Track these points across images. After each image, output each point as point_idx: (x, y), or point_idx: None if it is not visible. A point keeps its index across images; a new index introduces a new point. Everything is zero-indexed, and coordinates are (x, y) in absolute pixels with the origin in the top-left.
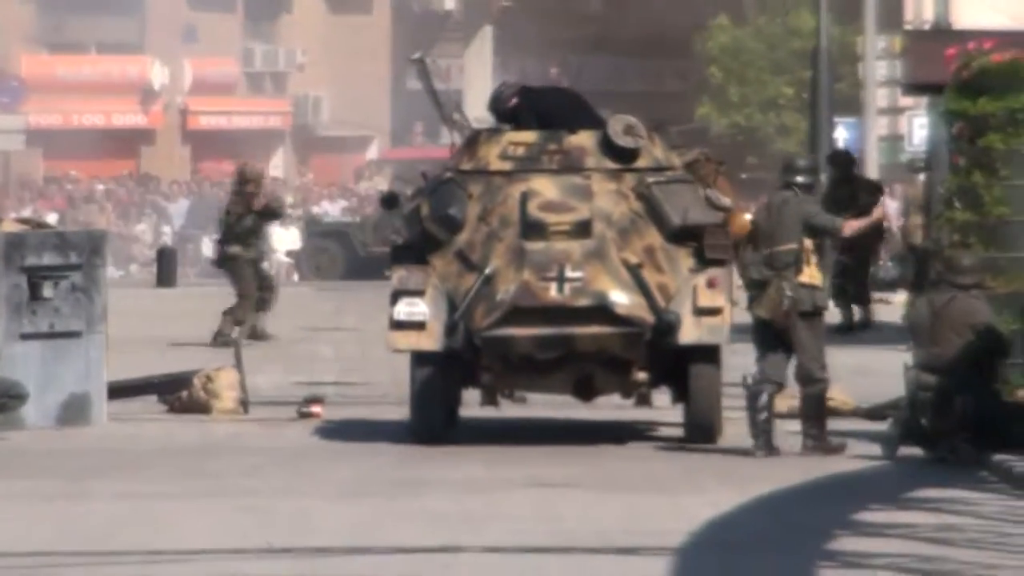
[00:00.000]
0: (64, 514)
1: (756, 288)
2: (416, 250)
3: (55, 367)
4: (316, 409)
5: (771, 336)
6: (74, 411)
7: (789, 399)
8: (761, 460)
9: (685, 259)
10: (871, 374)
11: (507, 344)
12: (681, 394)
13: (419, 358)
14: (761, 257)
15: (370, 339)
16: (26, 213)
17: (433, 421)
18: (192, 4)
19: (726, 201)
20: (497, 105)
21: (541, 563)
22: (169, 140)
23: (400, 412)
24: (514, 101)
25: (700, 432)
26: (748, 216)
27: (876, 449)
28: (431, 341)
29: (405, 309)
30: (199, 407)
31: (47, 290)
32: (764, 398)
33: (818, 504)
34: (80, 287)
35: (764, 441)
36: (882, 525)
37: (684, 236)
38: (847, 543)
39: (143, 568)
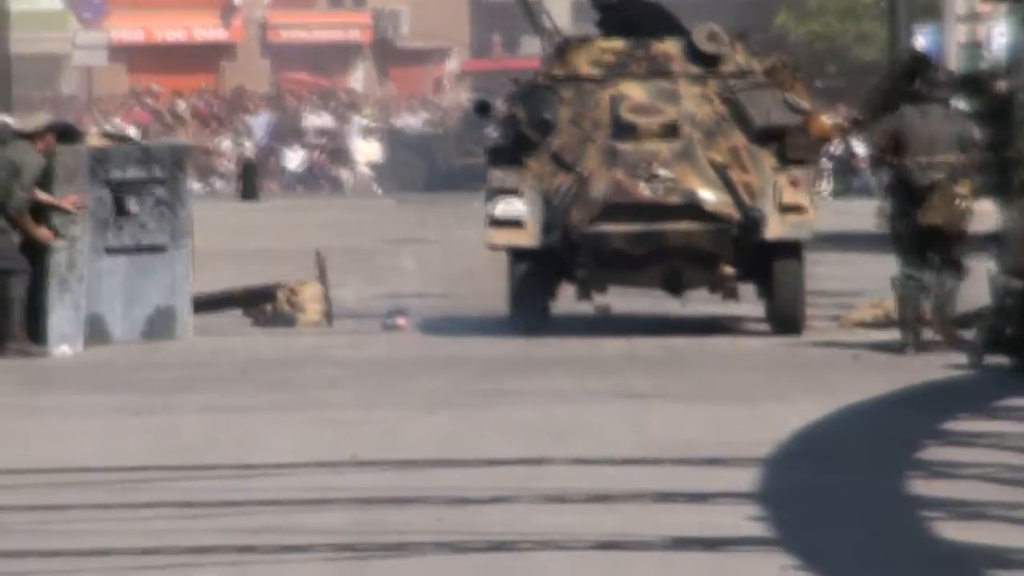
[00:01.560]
0: (151, 428)
1: (910, 195)
2: (511, 153)
3: (140, 281)
4: (400, 321)
5: (927, 241)
6: (160, 325)
7: (873, 308)
8: (847, 368)
9: (768, 159)
10: None
11: (601, 240)
12: (766, 289)
13: (517, 254)
14: (921, 164)
15: (453, 250)
16: (109, 127)
17: (532, 314)
18: None
19: (805, 104)
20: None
21: (628, 474)
22: (249, 54)
23: (483, 324)
24: None
25: (785, 323)
26: (827, 119)
27: (962, 358)
28: (528, 237)
29: (503, 207)
30: (284, 320)
31: (132, 204)
32: (918, 296)
33: (905, 413)
34: (164, 201)
35: (914, 338)
36: (969, 434)
37: (766, 137)
38: (935, 452)
39: (232, 482)
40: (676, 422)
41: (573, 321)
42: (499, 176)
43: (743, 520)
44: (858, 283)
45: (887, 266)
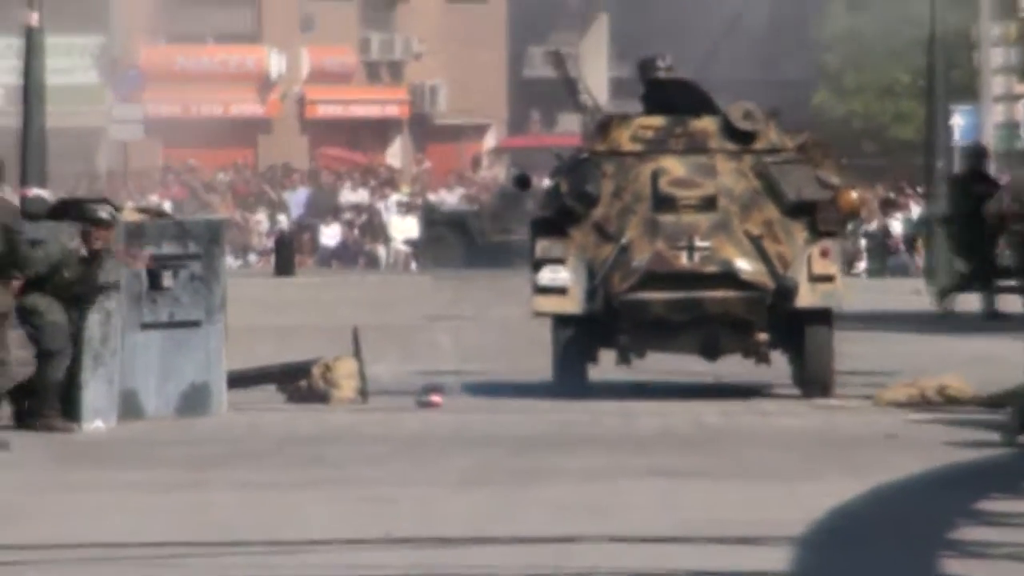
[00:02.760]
0: (184, 504)
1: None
2: (555, 224)
3: (175, 357)
4: (435, 398)
5: None
6: (194, 401)
7: (907, 388)
8: (878, 448)
9: (799, 231)
10: (992, 362)
11: (643, 307)
12: (797, 354)
13: (561, 321)
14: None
15: (490, 327)
16: (145, 202)
17: (574, 379)
18: None
19: (835, 180)
20: (645, 73)
21: (661, 553)
22: (287, 129)
23: (520, 400)
24: (660, 73)
25: (815, 387)
26: (855, 193)
27: (996, 437)
28: (573, 304)
29: (548, 275)
30: (318, 396)
31: (167, 279)
32: None
33: (938, 493)
34: (199, 276)
35: None
36: (1003, 514)
37: (798, 211)
38: (968, 532)
39: (264, 558)
40: (710, 500)
41: (611, 390)
42: (545, 246)
43: None
44: (893, 362)
45: (922, 345)
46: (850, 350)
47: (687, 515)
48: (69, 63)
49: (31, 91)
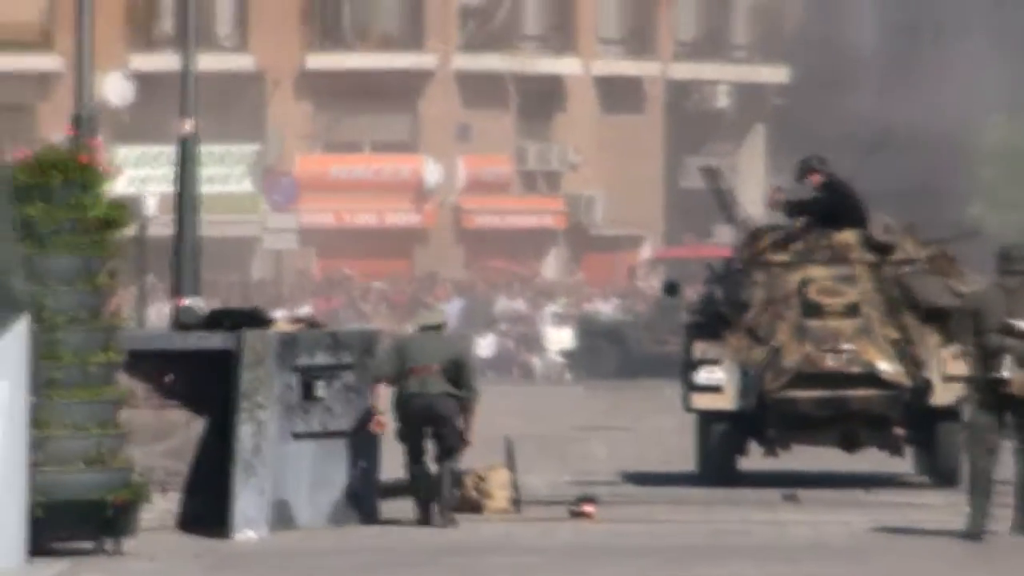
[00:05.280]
0: None
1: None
2: (709, 328)
3: (327, 466)
4: (589, 508)
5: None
6: (347, 510)
7: None
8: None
9: (932, 336)
10: None
11: (792, 404)
12: (930, 448)
13: (714, 416)
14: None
15: (644, 438)
16: (300, 312)
17: (724, 467)
18: (466, 102)
19: (964, 288)
20: (802, 175)
21: None
22: (443, 239)
23: (671, 509)
24: (817, 182)
25: (946, 477)
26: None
27: None
28: (727, 402)
29: (705, 375)
30: (471, 506)
31: (319, 390)
32: None
33: None
34: (352, 386)
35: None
36: None
37: (931, 317)
38: None
39: None
40: None
41: (760, 505)
42: (702, 348)
43: None
44: None
45: None
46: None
47: None
48: (224, 171)
49: (185, 200)
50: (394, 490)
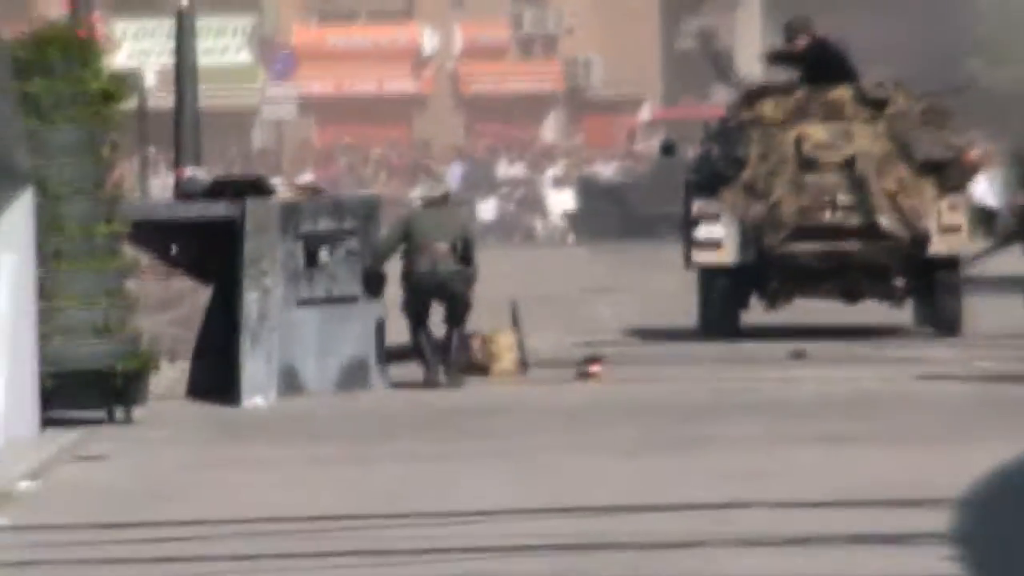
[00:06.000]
0: (347, 478)
1: None
2: (707, 185)
3: (333, 332)
4: (595, 369)
5: None
6: (354, 375)
7: None
8: None
9: (928, 187)
10: None
11: (792, 258)
12: (929, 298)
13: (714, 272)
14: None
15: (648, 297)
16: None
17: (725, 321)
18: None
19: (958, 141)
20: (789, 38)
21: (822, 517)
22: (441, 106)
23: (677, 370)
24: (801, 45)
25: (946, 326)
26: (976, 153)
27: None
28: (728, 256)
29: (705, 231)
30: (478, 369)
31: (323, 256)
32: None
33: None
34: (355, 252)
35: None
36: None
37: (926, 169)
38: None
39: (430, 530)
40: (869, 465)
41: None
42: (700, 205)
43: (936, 561)
44: None
45: None
46: (1012, 313)
47: (847, 480)
48: (222, 43)
49: (183, 72)
50: (400, 354)
